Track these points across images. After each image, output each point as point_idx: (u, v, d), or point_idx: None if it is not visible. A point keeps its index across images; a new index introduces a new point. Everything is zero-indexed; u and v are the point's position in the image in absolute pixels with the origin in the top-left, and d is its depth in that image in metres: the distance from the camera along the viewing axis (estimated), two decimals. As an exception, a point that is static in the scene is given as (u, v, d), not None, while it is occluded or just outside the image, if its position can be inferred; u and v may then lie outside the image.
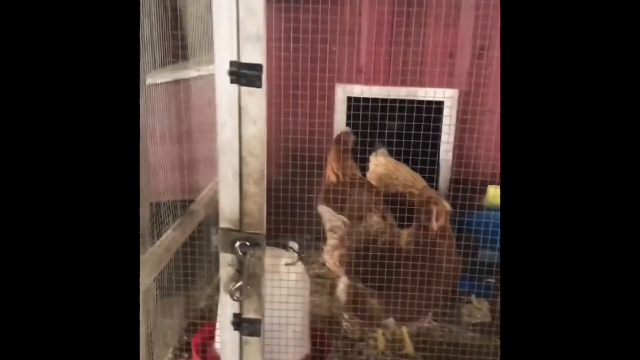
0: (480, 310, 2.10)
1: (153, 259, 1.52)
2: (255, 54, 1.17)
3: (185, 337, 1.86)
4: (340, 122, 2.52)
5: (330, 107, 2.49)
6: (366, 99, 2.43)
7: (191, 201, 1.89)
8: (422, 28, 2.34)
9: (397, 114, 2.35)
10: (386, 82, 2.46)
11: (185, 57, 1.95)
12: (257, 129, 1.22)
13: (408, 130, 2.24)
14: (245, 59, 1.17)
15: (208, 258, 2.13)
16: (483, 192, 2.33)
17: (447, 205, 2.30)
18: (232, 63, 1.18)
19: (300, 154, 1.81)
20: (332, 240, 1.91)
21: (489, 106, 2.44)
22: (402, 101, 2.49)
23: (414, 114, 2.14)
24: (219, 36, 1.17)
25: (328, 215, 1.93)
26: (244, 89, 1.19)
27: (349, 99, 2.48)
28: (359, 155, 2.43)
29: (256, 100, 1.20)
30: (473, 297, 2.16)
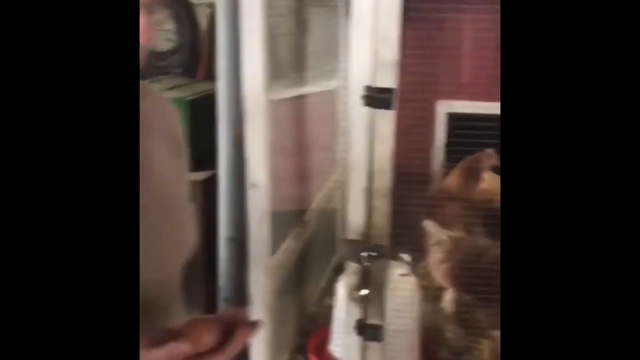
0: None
1: (277, 265, 1.64)
2: (388, 79, 1.26)
3: (298, 341, 1.97)
4: (439, 138, 2.57)
5: (431, 123, 2.55)
6: (467, 115, 2.47)
7: (304, 211, 2.01)
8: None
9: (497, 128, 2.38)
10: (490, 98, 2.49)
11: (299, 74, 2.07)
12: (386, 147, 1.31)
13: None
14: (379, 83, 1.27)
15: (318, 267, 2.25)
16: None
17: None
18: (366, 88, 1.28)
19: (401, 170, 1.86)
20: (438, 255, 1.97)
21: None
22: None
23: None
24: (355, 62, 1.28)
25: (434, 230, 1.99)
26: (375, 110, 1.29)
27: (448, 114, 2.54)
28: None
29: (387, 121, 1.29)
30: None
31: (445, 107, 2.53)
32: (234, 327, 0.82)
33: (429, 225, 2.01)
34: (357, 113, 1.30)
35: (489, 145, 2.33)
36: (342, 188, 2.58)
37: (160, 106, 1.00)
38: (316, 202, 2.16)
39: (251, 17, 1.34)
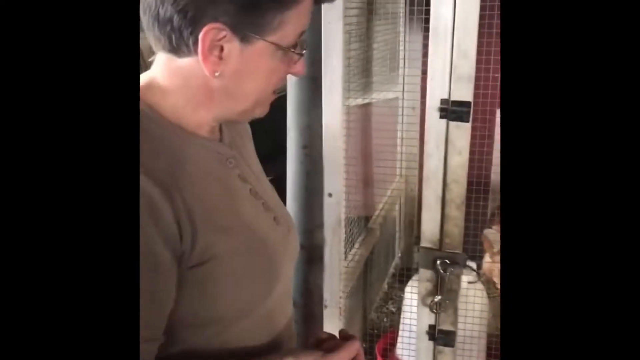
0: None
1: (348, 271, 1.69)
2: (465, 93, 1.31)
3: (363, 344, 2.02)
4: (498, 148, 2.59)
5: (491, 131, 2.56)
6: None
7: (368, 218, 2.06)
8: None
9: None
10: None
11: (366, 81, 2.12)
12: (461, 159, 1.35)
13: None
14: (455, 97, 1.32)
15: (379, 273, 2.30)
16: None
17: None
18: (442, 100, 1.33)
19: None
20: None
21: None
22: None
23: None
24: (433, 76, 1.33)
25: (496, 238, 2.01)
26: (452, 123, 1.34)
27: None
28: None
29: (463, 133, 1.33)
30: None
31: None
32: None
33: (490, 234, 2.03)
34: (434, 125, 1.35)
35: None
36: (400, 197, 2.63)
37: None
38: (379, 210, 2.21)
39: (333, 24, 1.41)
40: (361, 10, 1.90)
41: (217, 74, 0.76)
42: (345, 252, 1.72)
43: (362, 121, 2.04)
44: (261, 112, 0.86)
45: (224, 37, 0.74)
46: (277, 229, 0.91)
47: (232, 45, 0.75)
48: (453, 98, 1.32)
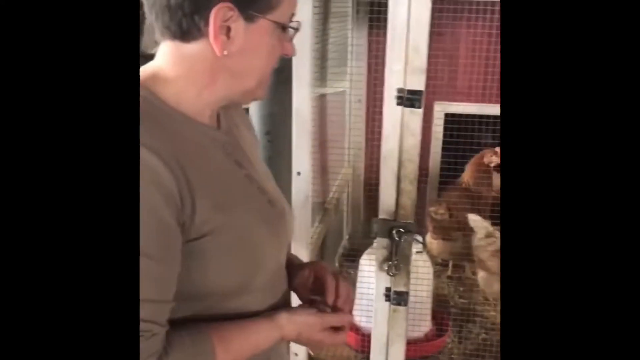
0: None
1: (312, 247, 1.87)
2: (418, 83, 1.51)
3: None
4: (436, 137, 2.83)
5: (429, 122, 2.81)
6: (460, 115, 2.75)
7: (323, 203, 2.24)
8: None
9: (488, 128, 2.67)
10: (480, 100, 2.77)
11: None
12: (414, 140, 1.56)
13: (499, 142, 2.55)
14: (410, 86, 1.52)
15: (331, 251, 2.49)
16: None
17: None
18: (399, 89, 1.53)
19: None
20: (493, 245, 2.15)
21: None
22: (495, 117, 2.80)
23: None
24: (391, 67, 1.52)
25: (480, 224, 2.19)
26: (406, 109, 1.54)
27: (446, 115, 2.80)
28: (452, 166, 2.74)
29: (415, 117, 1.54)
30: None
31: (442, 108, 2.79)
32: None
33: (474, 219, 2.20)
34: (391, 111, 1.54)
35: (483, 143, 2.60)
36: (348, 184, 2.83)
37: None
38: (332, 193, 2.40)
39: (304, 19, 1.58)
40: (319, 8, 2.08)
41: (225, 52, 0.83)
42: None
43: (318, 112, 2.22)
44: (261, 93, 0.95)
45: (232, 16, 0.81)
46: (271, 211, 0.98)
47: (238, 24, 0.82)
48: (408, 87, 1.52)
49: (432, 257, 2.39)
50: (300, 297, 1.12)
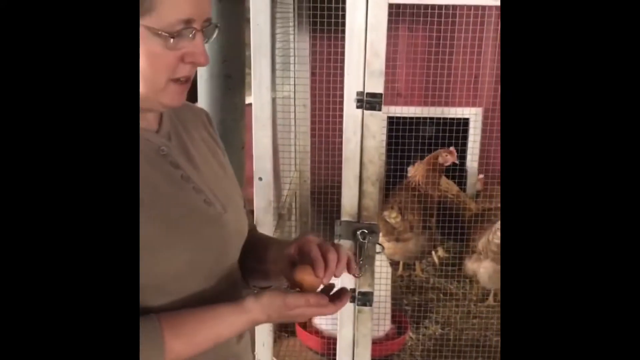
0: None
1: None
2: (377, 86, 1.54)
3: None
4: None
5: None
6: (404, 118, 2.82)
7: (277, 208, 2.22)
8: (452, 54, 2.75)
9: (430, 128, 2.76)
10: (421, 103, 2.85)
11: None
12: (375, 142, 1.58)
13: (441, 142, 2.64)
14: (369, 89, 1.54)
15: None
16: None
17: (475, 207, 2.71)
18: (358, 93, 1.55)
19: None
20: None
21: (510, 122, 2.86)
22: (436, 119, 2.90)
23: (447, 129, 2.55)
24: (349, 72, 1.54)
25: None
26: (366, 112, 1.56)
27: (390, 118, 2.86)
28: (398, 167, 2.81)
29: (376, 120, 1.57)
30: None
31: (385, 111, 2.84)
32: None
33: (387, 217, 2.28)
34: (351, 114, 1.56)
35: (422, 144, 2.68)
36: (296, 190, 2.82)
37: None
38: (283, 198, 2.39)
39: (262, 25, 1.57)
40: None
41: None
42: (266, 234, 1.88)
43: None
44: (170, 100, 0.90)
45: None
46: (207, 210, 0.98)
47: None
48: (367, 90, 1.54)
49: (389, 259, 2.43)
50: (289, 281, 1.03)
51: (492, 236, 2.15)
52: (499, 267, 2.17)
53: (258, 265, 1.11)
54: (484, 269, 2.16)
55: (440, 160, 2.40)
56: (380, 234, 2.41)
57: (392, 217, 2.28)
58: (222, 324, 0.92)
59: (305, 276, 0.95)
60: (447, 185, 2.74)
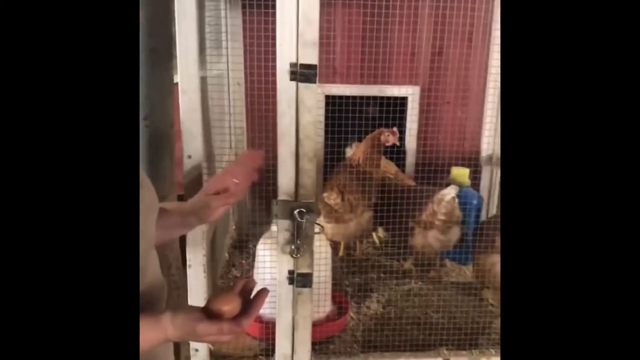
0: (454, 271, 2.48)
1: (206, 234, 1.76)
2: (311, 56, 1.46)
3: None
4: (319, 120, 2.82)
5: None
6: (341, 97, 2.76)
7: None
8: (388, 32, 2.71)
9: (368, 109, 2.71)
10: (358, 82, 2.80)
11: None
12: (311, 116, 1.51)
13: (379, 122, 2.60)
14: (303, 60, 1.47)
15: (219, 243, 2.38)
16: (446, 173, 2.72)
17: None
18: (292, 64, 1.47)
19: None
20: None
21: (447, 99, 2.85)
22: (373, 97, 2.86)
23: (384, 108, 2.52)
24: (282, 42, 1.46)
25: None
26: (301, 84, 1.49)
27: (327, 97, 2.80)
28: (336, 149, 2.76)
29: (311, 93, 1.50)
30: (447, 261, 2.54)
31: (322, 90, 2.78)
32: (248, 295, 1.05)
33: (327, 198, 2.23)
34: (285, 87, 1.48)
35: (360, 124, 2.63)
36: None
37: None
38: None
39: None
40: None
41: None
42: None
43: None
44: None
45: None
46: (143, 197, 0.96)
47: None
48: (301, 62, 1.47)
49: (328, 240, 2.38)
50: (208, 309, 1.03)
51: (436, 207, 2.16)
52: (443, 235, 2.17)
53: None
54: (432, 237, 2.17)
55: (382, 139, 2.36)
56: (321, 216, 2.36)
57: (332, 198, 2.22)
58: (142, 339, 0.91)
59: (223, 307, 0.98)
60: (386, 164, 2.71)
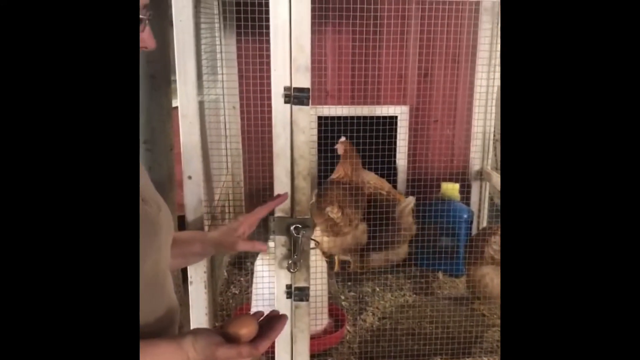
0: (447, 284, 2.55)
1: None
2: (304, 81, 1.55)
3: (215, 324, 2.16)
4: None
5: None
6: (333, 118, 2.86)
7: (209, 211, 2.20)
8: (377, 55, 2.81)
9: (359, 128, 2.81)
10: (349, 102, 2.90)
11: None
12: (305, 137, 1.60)
13: (370, 142, 2.69)
14: (296, 84, 1.56)
15: (217, 260, 2.44)
16: (436, 188, 2.80)
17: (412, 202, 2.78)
18: (286, 88, 1.56)
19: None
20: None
21: (435, 118, 2.95)
22: (364, 117, 2.95)
23: (375, 128, 2.62)
24: (276, 67, 1.55)
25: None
26: (294, 107, 1.57)
27: (319, 118, 2.89)
28: (329, 167, 2.85)
29: (304, 115, 1.58)
30: (439, 273, 2.61)
31: (315, 112, 2.88)
32: (267, 320, 1.09)
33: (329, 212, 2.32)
34: (280, 109, 1.57)
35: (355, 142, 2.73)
36: (229, 192, 2.80)
37: None
38: (216, 201, 2.37)
39: (184, 22, 1.56)
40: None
41: None
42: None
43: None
44: None
45: None
46: (145, 209, 1.01)
47: None
48: (294, 85, 1.55)
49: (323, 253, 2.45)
50: (225, 333, 1.07)
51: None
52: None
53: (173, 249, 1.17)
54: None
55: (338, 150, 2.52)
56: (320, 230, 2.44)
57: (335, 212, 2.30)
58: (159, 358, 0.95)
59: (240, 330, 1.01)
60: (380, 182, 2.79)
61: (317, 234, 2.38)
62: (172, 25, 1.58)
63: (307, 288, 1.70)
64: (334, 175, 2.63)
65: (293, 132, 1.58)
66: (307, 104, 1.57)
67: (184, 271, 1.78)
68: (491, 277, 2.13)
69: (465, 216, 2.66)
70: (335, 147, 2.58)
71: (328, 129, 2.82)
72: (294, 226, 1.62)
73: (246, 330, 1.01)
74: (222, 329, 1.03)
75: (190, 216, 1.66)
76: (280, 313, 1.68)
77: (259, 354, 1.01)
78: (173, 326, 1.13)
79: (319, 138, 2.88)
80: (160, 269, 1.06)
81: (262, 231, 1.71)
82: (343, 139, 2.58)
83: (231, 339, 1.00)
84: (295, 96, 1.56)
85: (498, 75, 2.68)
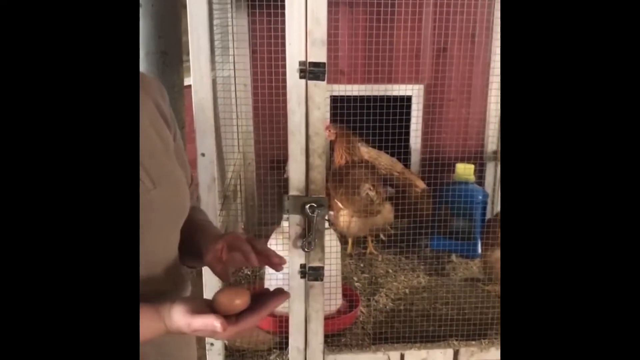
0: (460, 265, 2.52)
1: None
2: (320, 55, 1.51)
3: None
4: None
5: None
6: (347, 97, 2.80)
7: (221, 190, 2.17)
8: (393, 31, 2.75)
9: (374, 106, 2.75)
10: (363, 81, 2.84)
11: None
12: (320, 113, 1.55)
13: (384, 121, 2.64)
14: (312, 59, 1.51)
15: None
16: (450, 169, 2.75)
17: (423, 184, 2.73)
18: (301, 62, 1.51)
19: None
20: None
21: (451, 96, 2.89)
22: (378, 98, 2.89)
23: (390, 108, 2.56)
24: (291, 42, 1.50)
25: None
26: (310, 82, 1.53)
27: (333, 97, 2.84)
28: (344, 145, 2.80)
29: (320, 90, 1.54)
30: (453, 255, 2.58)
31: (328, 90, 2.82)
32: (264, 295, 1.00)
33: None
34: (295, 84, 1.53)
35: (367, 121, 2.68)
36: (240, 172, 2.77)
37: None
38: (228, 180, 2.34)
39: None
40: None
41: None
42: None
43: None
44: None
45: None
46: (149, 193, 0.98)
47: None
48: (310, 60, 1.51)
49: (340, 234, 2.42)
50: (214, 272, 1.08)
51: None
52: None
53: (190, 248, 1.11)
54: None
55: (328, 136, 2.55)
56: (348, 212, 2.39)
57: (370, 190, 2.28)
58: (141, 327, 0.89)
59: (234, 299, 0.93)
60: (392, 163, 2.74)
61: (343, 219, 2.34)
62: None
63: (322, 268, 1.67)
64: (337, 162, 2.58)
65: (308, 108, 1.54)
66: (323, 79, 1.53)
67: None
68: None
69: (480, 198, 2.61)
70: (325, 133, 2.52)
71: (337, 111, 2.76)
72: (308, 205, 1.59)
73: (239, 301, 0.93)
74: (213, 297, 0.96)
75: (204, 195, 1.62)
76: (294, 292, 1.67)
77: (238, 330, 0.93)
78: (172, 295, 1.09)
79: (332, 115, 2.84)
80: (146, 252, 0.97)
81: (276, 210, 1.68)
82: (328, 123, 2.53)
83: (221, 310, 0.92)
84: (311, 71, 1.51)
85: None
